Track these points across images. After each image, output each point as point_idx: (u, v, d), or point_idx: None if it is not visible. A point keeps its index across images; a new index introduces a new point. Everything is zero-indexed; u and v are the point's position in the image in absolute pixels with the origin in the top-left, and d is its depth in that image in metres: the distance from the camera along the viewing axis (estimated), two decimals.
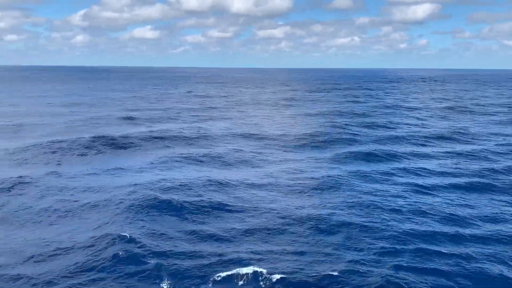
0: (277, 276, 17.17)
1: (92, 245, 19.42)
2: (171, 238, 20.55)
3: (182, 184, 28.25)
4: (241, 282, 16.94)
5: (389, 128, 54.40)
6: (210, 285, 16.74)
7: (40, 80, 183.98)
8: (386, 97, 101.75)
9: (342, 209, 24.53)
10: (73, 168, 31.86)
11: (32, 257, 18.72)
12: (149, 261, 18.03)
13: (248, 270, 17.57)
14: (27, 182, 28.34)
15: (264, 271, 17.50)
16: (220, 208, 24.47)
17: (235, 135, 48.33)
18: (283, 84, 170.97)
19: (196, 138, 46.26)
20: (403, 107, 78.75)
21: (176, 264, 17.98)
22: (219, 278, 17.08)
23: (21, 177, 29.14)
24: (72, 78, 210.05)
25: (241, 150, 40.12)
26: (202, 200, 25.22)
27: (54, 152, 37.40)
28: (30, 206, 24.54)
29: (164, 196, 25.23)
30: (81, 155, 37.07)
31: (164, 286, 16.56)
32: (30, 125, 52.10)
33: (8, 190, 27.09)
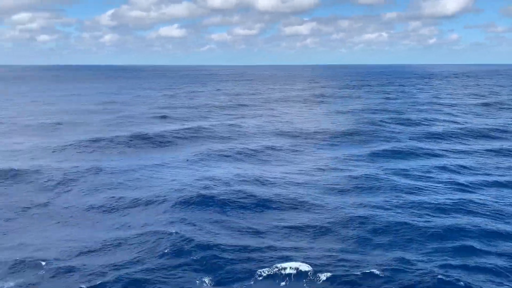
0: (322, 274, 17.07)
1: (140, 241, 19.82)
2: (215, 233, 20.76)
3: (221, 180, 28.50)
4: (284, 279, 16.91)
5: (424, 124, 53.31)
6: (253, 280, 16.80)
7: (72, 79, 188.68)
8: (419, 94, 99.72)
9: (384, 208, 24.21)
10: (113, 166, 32.53)
11: (81, 252, 19.21)
12: (194, 256, 18.24)
13: (292, 266, 17.53)
14: (70, 179, 29.12)
15: (309, 268, 17.43)
16: (261, 204, 24.54)
17: (268, 132, 48.35)
18: (311, 81, 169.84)
19: (229, 135, 46.53)
20: (438, 103, 77.04)
21: (220, 258, 18.15)
22: (263, 274, 17.12)
23: (65, 174, 29.96)
24: (102, 77, 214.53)
25: (276, 147, 40.10)
26: (242, 196, 25.35)
27: (93, 150, 38.31)
28: (75, 204, 25.18)
29: (205, 192, 25.52)
30: (120, 153, 37.84)
31: (207, 281, 16.69)
32: (67, 123, 53.50)
33: (52, 187, 27.90)
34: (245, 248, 19.21)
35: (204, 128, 49.71)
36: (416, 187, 27.99)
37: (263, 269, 17.34)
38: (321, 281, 16.72)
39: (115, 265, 17.73)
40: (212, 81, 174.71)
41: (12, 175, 29.86)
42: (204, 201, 24.33)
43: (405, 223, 21.97)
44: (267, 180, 29.09)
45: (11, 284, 16.35)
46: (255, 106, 75.34)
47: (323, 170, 32.29)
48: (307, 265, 17.65)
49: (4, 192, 27.26)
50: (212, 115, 63.61)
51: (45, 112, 64.43)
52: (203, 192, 25.57)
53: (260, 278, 16.94)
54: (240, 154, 37.31)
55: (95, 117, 59.27)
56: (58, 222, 22.66)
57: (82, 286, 16.16)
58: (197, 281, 16.62)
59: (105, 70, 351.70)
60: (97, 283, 16.31)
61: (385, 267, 17.57)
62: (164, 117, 59.60)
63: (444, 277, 16.79)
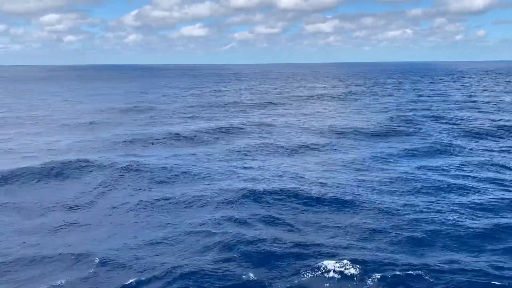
0: (371, 275, 16.79)
1: (186, 237, 20.04)
2: (260, 229, 20.75)
3: (262, 177, 28.54)
4: (331, 278, 16.71)
5: (461, 122, 52.10)
6: (299, 277, 16.68)
7: (99, 78, 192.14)
8: (451, 91, 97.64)
9: (431, 208, 23.71)
10: (152, 163, 32.88)
11: (131, 248, 19.44)
12: (240, 252, 18.35)
13: (339, 265, 17.32)
14: (113, 177, 29.54)
15: (356, 268, 17.17)
16: (304, 202, 24.38)
17: (302, 130, 48.07)
18: (337, 79, 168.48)
19: (263, 133, 46.52)
20: (471, 101, 75.26)
21: (266, 254, 18.15)
22: (309, 271, 16.99)
23: (107, 172, 30.46)
24: (128, 76, 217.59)
25: (311, 145, 39.82)
26: (285, 194, 25.29)
27: (130, 149, 38.79)
28: (119, 201, 25.57)
29: (248, 189, 25.58)
30: (156, 151, 38.21)
31: (253, 276, 16.65)
32: (101, 122, 54.43)
33: (96, 185, 28.42)
34: (290, 245, 19.13)
35: (236, 126, 49.79)
36: (460, 186, 27.36)
37: (309, 267, 17.22)
38: (369, 282, 16.44)
39: (164, 262, 17.91)
40: (237, 80, 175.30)
41: (56, 173, 30.48)
42: (248, 198, 24.36)
43: (454, 223, 21.50)
44: (307, 178, 28.88)
45: (63, 281, 16.59)
46: (284, 104, 75.14)
47: (363, 169, 31.86)
48: (355, 264, 17.40)
49: (49, 190, 27.86)
50: (241, 113, 63.71)
51: (78, 111, 65.78)
52: (246, 189, 25.60)
53: (306, 275, 16.79)
54: (276, 152, 37.21)
55: (127, 116, 60.14)
56: (105, 220, 22.96)
57: (132, 280, 16.33)
58: (244, 276, 16.63)
59: (129, 70, 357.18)
60: (148, 277, 16.49)
61: (436, 268, 17.21)
62: (194, 116, 60.01)
63: (497, 278, 16.39)
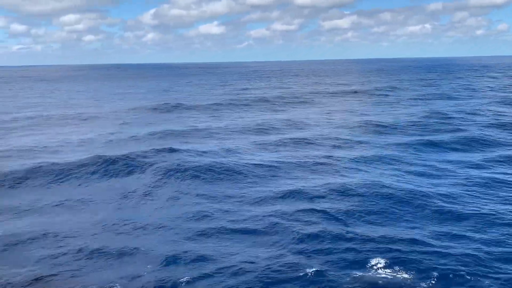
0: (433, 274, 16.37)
1: (264, 232, 20.26)
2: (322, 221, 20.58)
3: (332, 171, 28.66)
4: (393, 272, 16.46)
5: (496, 117, 51.02)
6: (365, 270, 16.60)
7: (124, 77, 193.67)
8: (483, 87, 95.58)
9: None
10: (197, 158, 33.00)
11: (189, 240, 19.41)
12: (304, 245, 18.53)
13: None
14: (163, 170, 29.72)
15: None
16: (384, 196, 24.03)
17: (346, 127, 47.49)
18: (360, 75, 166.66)
19: (296, 127, 46.66)
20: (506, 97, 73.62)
21: (329, 249, 18.22)
22: (376, 264, 16.96)
23: (156, 168, 30.68)
24: (150, 75, 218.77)
25: (355, 139, 39.51)
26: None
27: (172, 143, 38.95)
28: (173, 193, 25.79)
29: (320, 183, 25.49)
30: (196, 145, 38.39)
31: (313, 270, 16.56)
32: (135, 120, 54.86)
33: (152, 176, 28.56)
34: (355, 237, 19.13)
35: (271, 123, 49.65)
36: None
37: (376, 259, 17.25)
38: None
39: (230, 254, 17.90)
40: (259, 77, 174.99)
41: (103, 170, 30.77)
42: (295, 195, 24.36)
43: None
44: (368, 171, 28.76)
45: (117, 275, 16.52)
46: (314, 100, 74.74)
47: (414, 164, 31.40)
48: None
49: (98, 186, 28.11)
50: (274, 110, 63.51)
51: (110, 109, 66.54)
52: (317, 183, 25.63)
53: (371, 268, 16.70)
54: (318, 147, 37.05)
55: (158, 113, 60.70)
56: (157, 216, 22.96)
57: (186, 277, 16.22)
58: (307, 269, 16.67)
59: (150, 69, 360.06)
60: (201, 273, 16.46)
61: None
62: (222, 113, 60.29)
63: None
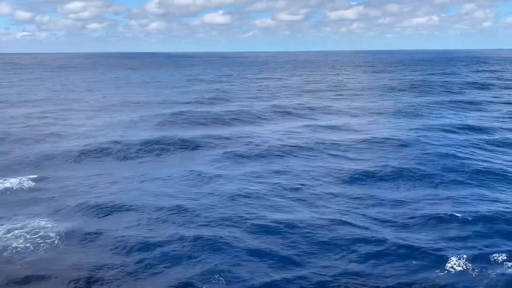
0: None
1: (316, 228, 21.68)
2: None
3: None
4: None
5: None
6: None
7: (145, 67, 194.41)
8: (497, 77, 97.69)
9: None
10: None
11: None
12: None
13: None
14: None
15: None
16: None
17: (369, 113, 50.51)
18: (371, 66, 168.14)
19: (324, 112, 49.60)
20: None
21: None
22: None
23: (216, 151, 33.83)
24: (158, 64, 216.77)
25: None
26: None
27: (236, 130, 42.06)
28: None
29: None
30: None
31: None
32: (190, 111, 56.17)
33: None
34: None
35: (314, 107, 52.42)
36: None
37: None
38: None
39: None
40: (270, 67, 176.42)
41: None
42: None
43: None
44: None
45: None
46: (335, 92, 77.47)
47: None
48: None
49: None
50: (295, 97, 66.37)
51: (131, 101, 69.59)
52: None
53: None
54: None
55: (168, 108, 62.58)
56: (214, 203, 26.08)
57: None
58: None
59: (156, 57, 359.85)
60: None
61: None
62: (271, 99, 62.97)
63: None
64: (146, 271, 16.85)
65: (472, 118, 47.93)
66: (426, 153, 32.21)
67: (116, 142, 36.69)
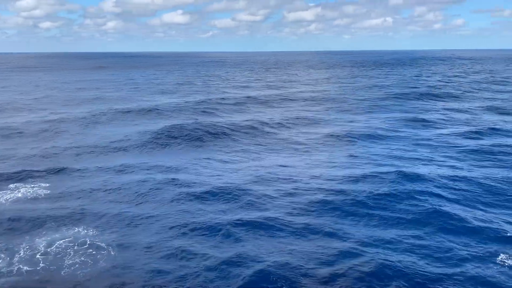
0: None
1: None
2: None
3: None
4: None
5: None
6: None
7: (99, 68, 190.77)
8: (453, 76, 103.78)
9: None
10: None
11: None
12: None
13: None
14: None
15: None
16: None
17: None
18: (336, 66, 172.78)
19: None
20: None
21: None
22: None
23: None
24: (121, 65, 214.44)
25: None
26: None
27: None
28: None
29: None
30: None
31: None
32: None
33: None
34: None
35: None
36: None
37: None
38: None
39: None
40: (238, 67, 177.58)
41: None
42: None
43: None
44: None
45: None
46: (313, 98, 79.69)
47: None
48: None
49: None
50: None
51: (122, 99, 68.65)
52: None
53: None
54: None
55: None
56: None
57: None
58: None
59: (116, 57, 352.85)
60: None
61: None
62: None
63: None
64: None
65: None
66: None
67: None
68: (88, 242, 20.14)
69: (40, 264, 18.45)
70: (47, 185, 28.31)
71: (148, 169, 30.97)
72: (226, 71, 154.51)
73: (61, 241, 20.29)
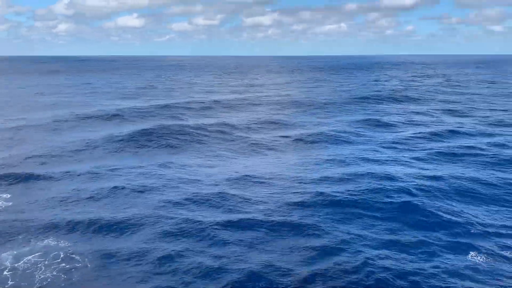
0: None
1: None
2: None
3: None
4: None
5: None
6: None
7: (55, 72, 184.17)
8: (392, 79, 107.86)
9: None
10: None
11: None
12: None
13: None
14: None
15: None
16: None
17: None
18: (296, 71, 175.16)
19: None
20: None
21: None
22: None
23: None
24: (76, 69, 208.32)
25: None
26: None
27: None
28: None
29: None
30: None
31: None
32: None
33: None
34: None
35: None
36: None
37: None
38: None
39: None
40: (201, 72, 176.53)
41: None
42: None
43: None
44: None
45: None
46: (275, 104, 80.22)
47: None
48: None
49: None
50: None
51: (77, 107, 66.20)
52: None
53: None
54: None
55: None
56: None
57: None
58: None
59: (70, 61, 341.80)
60: None
61: None
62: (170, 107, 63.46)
63: None
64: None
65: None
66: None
67: None
68: (61, 255, 19.08)
69: (9, 282, 17.29)
70: (9, 196, 26.73)
71: (119, 175, 29.93)
72: (187, 75, 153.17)
73: (30, 256, 19.11)
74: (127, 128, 44.64)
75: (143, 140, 39.83)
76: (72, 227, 21.92)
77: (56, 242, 20.36)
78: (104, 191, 26.56)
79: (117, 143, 38.77)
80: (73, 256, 19.00)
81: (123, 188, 27.20)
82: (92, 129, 45.92)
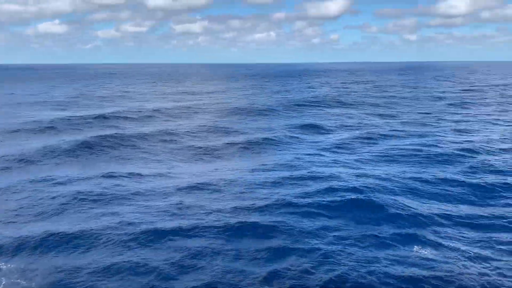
0: None
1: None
2: None
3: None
4: None
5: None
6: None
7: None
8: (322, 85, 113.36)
9: None
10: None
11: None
12: None
13: None
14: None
15: None
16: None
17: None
18: (229, 79, 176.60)
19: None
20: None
21: None
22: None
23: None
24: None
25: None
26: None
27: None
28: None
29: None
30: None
31: None
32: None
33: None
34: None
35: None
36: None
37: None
38: None
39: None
40: (132, 80, 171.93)
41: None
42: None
43: None
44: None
45: None
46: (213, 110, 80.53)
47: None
48: None
49: None
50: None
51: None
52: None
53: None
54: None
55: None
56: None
57: None
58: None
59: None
60: None
61: None
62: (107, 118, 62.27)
63: None
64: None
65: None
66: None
67: None
68: (3, 282, 17.85)
69: None
70: None
71: (63, 190, 28.54)
72: (119, 83, 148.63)
73: None
74: (65, 140, 42.56)
75: (84, 152, 38.23)
76: (15, 247, 20.63)
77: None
78: (50, 207, 25.25)
79: (56, 158, 36.79)
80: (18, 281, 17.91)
81: (68, 203, 26.05)
82: (25, 143, 43.16)
